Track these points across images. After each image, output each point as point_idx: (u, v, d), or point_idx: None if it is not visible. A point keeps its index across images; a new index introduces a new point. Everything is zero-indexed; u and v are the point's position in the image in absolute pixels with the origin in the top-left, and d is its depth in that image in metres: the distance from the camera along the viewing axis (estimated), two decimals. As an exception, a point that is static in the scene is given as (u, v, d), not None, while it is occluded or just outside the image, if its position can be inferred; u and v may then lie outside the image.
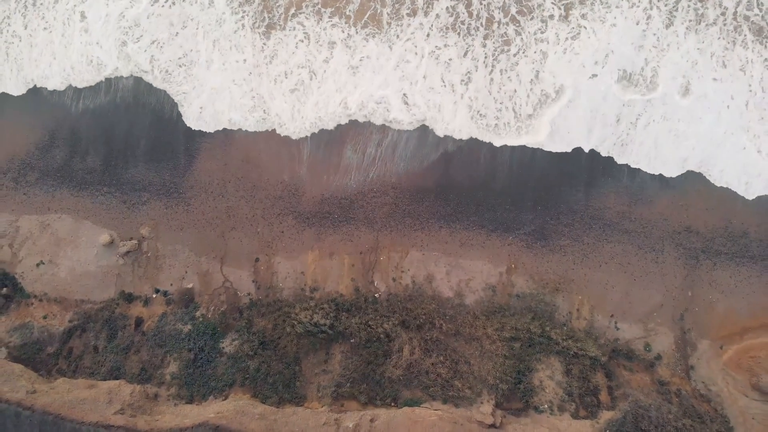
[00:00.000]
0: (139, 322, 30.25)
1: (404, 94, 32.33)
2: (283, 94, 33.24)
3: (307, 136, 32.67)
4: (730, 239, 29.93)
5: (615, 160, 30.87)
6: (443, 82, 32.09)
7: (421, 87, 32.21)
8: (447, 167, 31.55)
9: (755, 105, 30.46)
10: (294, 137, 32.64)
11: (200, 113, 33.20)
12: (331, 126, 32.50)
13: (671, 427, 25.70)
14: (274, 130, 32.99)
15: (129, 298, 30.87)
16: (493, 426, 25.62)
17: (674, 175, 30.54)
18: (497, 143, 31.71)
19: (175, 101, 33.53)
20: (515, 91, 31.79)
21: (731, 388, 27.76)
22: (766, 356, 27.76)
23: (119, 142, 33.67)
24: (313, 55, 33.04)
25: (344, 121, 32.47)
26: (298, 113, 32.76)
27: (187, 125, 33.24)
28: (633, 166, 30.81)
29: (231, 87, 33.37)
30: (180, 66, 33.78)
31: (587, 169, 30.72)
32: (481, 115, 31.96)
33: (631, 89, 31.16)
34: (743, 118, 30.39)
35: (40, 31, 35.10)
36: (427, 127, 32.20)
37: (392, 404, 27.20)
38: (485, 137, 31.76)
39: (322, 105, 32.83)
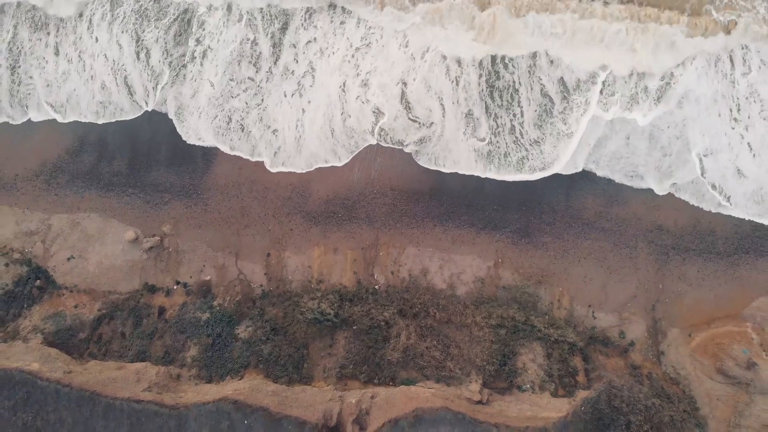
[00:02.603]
0: (161, 310, 32.31)
1: (404, 83, 32.29)
2: (285, 93, 33.25)
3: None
4: (698, 237, 31.96)
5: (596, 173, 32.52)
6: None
7: (422, 74, 32.21)
8: (441, 171, 33.35)
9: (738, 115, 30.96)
10: (300, 171, 33.78)
11: (197, 135, 34.64)
12: (339, 161, 33.63)
13: (641, 405, 27.47)
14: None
15: (152, 289, 33.04)
16: (480, 402, 27.57)
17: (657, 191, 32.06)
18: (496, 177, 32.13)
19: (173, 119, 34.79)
20: (516, 89, 31.19)
21: (698, 371, 29.57)
22: (730, 343, 29.54)
23: (143, 148, 35.81)
24: (323, 27, 32.78)
25: (349, 154, 33.43)
26: (302, 129, 33.54)
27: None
28: (617, 181, 32.45)
29: (231, 94, 34.06)
30: (190, 60, 34.13)
31: (568, 174, 32.59)
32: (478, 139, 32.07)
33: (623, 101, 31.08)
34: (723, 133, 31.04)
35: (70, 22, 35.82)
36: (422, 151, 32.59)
37: (390, 383, 29.07)
38: (482, 172, 32.35)
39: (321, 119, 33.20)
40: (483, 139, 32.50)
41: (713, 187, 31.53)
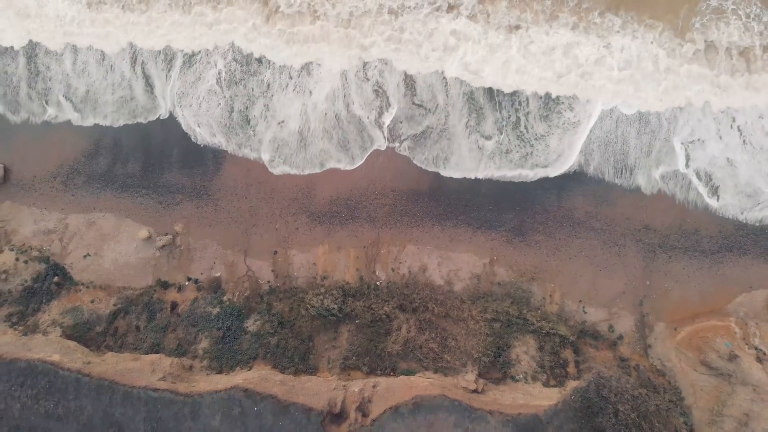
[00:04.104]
0: (174, 305, 33.48)
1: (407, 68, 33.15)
2: (290, 75, 33.68)
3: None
4: (684, 235, 33.08)
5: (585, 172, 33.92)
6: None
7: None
8: (439, 173, 34.82)
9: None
10: (305, 173, 34.97)
11: (200, 127, 35.56)
12: (353, 161, 34.70)
13: (629, 395, 28.13)
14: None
15: (165, 285, 34.17)
16: (476, 391, 28.64)
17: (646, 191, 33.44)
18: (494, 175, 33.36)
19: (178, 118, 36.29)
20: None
21: (683, 363, 30.64)
22: (714, 337, 30.67)
23: (156, 151, 36.94)
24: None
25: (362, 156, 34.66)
26: (307, 119, 34.26)
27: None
28: (606, 180, 33.64)
29: (234, 80, 34.72)
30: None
31: (559, 175, 34.08)
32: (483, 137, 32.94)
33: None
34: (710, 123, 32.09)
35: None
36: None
37: (391, 374, 30.11)
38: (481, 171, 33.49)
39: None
40: (489, 137, 33.23)
41: (699, 177, 32.34)
